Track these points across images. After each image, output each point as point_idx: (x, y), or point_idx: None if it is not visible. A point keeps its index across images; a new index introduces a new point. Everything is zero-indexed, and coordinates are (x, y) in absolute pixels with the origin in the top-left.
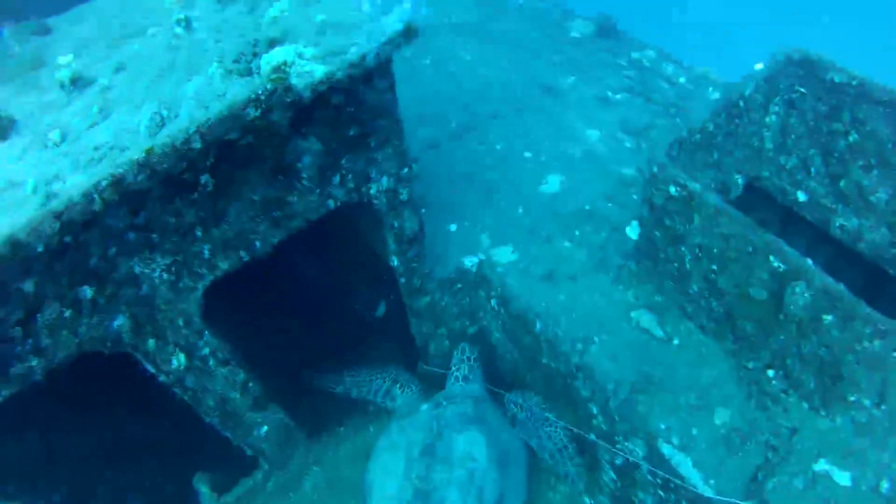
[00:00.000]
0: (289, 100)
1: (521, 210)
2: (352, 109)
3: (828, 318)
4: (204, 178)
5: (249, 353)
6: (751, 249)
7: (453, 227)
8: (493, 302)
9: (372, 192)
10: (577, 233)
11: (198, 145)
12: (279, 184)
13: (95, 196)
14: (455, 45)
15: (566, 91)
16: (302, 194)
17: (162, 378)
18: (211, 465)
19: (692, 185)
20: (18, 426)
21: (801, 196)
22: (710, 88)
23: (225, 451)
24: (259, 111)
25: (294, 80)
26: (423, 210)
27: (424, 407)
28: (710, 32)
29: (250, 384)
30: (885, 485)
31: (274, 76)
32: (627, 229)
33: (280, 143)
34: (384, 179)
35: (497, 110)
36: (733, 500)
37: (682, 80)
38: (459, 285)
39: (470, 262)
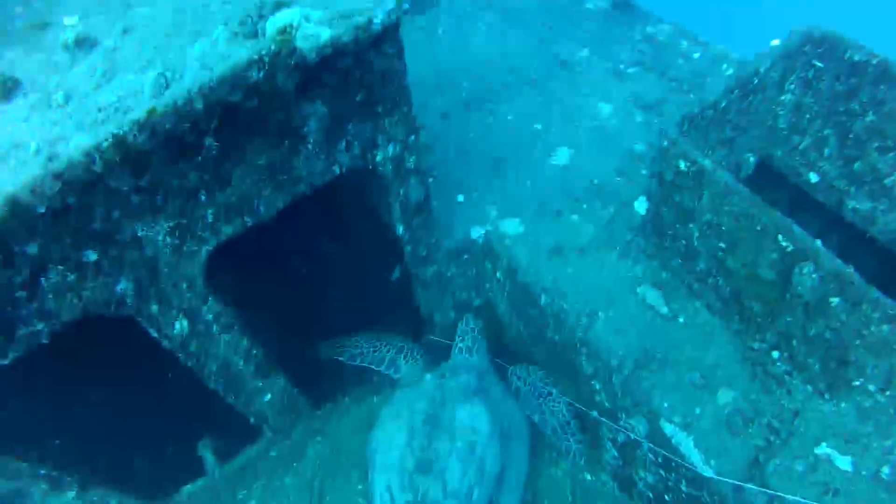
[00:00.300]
0: (292, 62)
1: (529, 183)
2: (359, 74)
3: (835, 300)
4: (208, 141)
5: (255, 320)
6: (759, 228)
7: (461, 198)
8: (498, 274)
9: (378, 158)
10: (585, 206)
11: (199, 106)
12: (284, 148)
13: (96, 156)
14: (471, 15)
15: (579, 64)
16: (307, 159)
17: (165, 343)
18: (216, 431)
19: (703, 160)
20: (25, 388)
21: (814, 177)
22: (726, 65)
23: (230, 418)
24: (262, 73)
25: (299, 43)
26: (432, 180)
27: (428, 377)
28: (731, 8)
29: (254, 351)
30: (885, 470)
31: (279, 38)
32: (636, 204)
33: (286, 106)
34: (391, 147)
35: (510, 82)
36: (733, 480)
37: (696, 55)
38: (466, 256)
39: (477, 232)
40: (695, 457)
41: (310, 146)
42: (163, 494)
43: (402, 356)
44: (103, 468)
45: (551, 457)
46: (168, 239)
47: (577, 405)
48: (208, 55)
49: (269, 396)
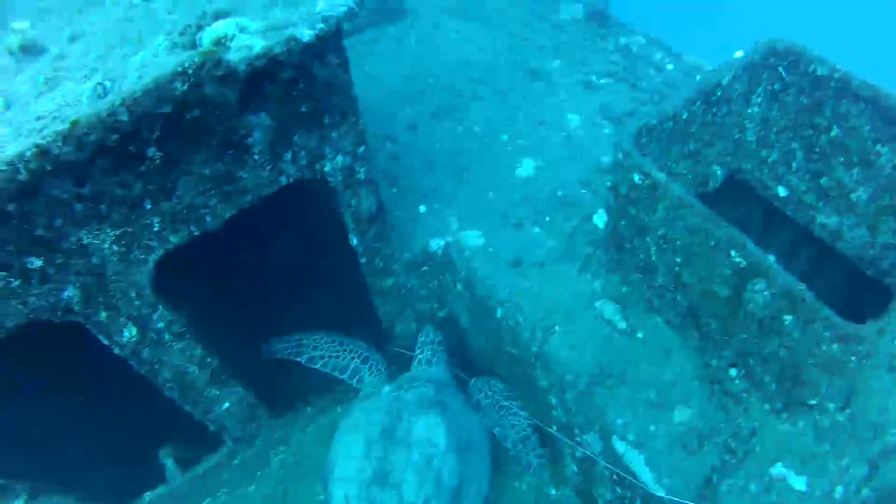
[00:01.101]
0: (219, 74)
1: (492, 194)
2: (303, 86)
3: (788, 318)
4: (151, 152)
5: (210, 328)
6: (713, 243)
7: (423, 209)
8: (458, 286)
9: (326, 169)
10: (547, 219)
11: (124, 118)
12: (229, 158)
13: (20, 166)
14: (442, 24)
15: (550, 74)
16: (253, 170)
17: (116, 350)
18: (178, 439)
19: (657, 174)
20: None
21: (782, 191)
22: (699, 77)
23: (192, 426)
24: (186, 85)
25: (231, 55)
26: (395, 190)
27: (386, 389)
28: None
29: (209, 359)
30: (839, 490)
31: (212, 49)
32: (595, 218)
33: (229, 117)
34: (339, 157)
35: (479, 92)
36: (684, 501)
37: (670, 67)
38: (426, 268)
39: (437, 244)
40: (646, 476)
41: (255, 157)
42: (121, 501)
43: (367, 367)
44: (57, 475)
45: (515, 471)
46: (114, 247)
47: (535, 420)
48: (148, 65)
49: (227, 405)
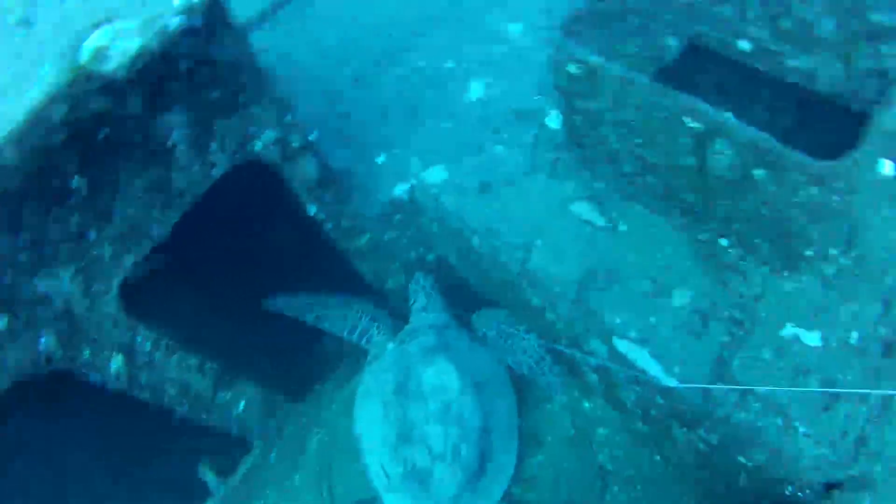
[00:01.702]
0: (96, 87)
1: (448, 124)
2: (206, 72)
3: (759, 172)
4: (75, 182)
5: (203, 333)
6: (666, 115)
7: (382, 158)
8: (434, 226)
9: (258, 148)
10: (506, 136)
11: (11, 160)
12: (156, 166)
13: None
14: None
15: None
16: (183, 170)
17: (112, 385)
18: (210, 450)
19: (592, 58)
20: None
21: (746, 45)
22: None
23: (219, 434)
24: (66, 108)
25: (109, 64)
26: (352, 148)
27: (390, 346)
28: None
29: (207, 365)
30: (854, 335)
31: (84, 65)
32: (547, 120)
33: (142, 125)
34: (268, 133)
35: (416, 29)
36: (697, 385)
37: None
38: (399, 216)
39: (401, 189)
40: (654, 369)
41: (180, 157)
42: None
43: (376, 326)
44: None
45: (545, 395)
46: (73, 286)
47: (543, 341)
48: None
49: (242, 405)
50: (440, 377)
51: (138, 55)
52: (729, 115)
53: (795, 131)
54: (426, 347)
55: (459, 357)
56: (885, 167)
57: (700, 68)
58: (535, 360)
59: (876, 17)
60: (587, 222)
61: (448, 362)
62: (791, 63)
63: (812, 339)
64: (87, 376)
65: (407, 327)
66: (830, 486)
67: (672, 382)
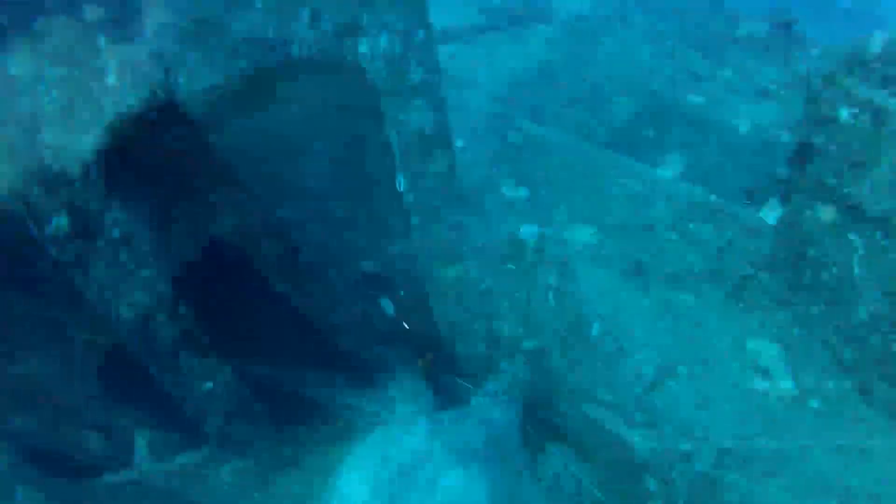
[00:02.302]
0: None
1: (620, 189)
2: None
3: None
4: None
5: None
6: None
7: (524, 192)
8: (550, 297)
9: (361, 49)
10: (691, 226)
11: None
12: None
13: None
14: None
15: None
16: None
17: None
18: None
19: (883, 99)
20: None
21: None
22: None
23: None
24: None
25: None
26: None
27: (422, 420)
28: None
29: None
30: None
31: None
32: (763, 212)
33: None
34: (383, 36)
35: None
36: None
37: None
38: (511, 265)
39: (529, 232)
40: None
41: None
42: None
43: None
44: None
45: None
46: None
47: None
48: None
49: (209, 385)
50: (463, 494)
51: None
52: None
53: None
54: (467, 446)
55: (504, 483)
56: None
57: None
58: None
59: None
60: (764, 373)
61: (484, 481)
62: None
63: None
64: None
65: (458, 410)
66: None
67: None
